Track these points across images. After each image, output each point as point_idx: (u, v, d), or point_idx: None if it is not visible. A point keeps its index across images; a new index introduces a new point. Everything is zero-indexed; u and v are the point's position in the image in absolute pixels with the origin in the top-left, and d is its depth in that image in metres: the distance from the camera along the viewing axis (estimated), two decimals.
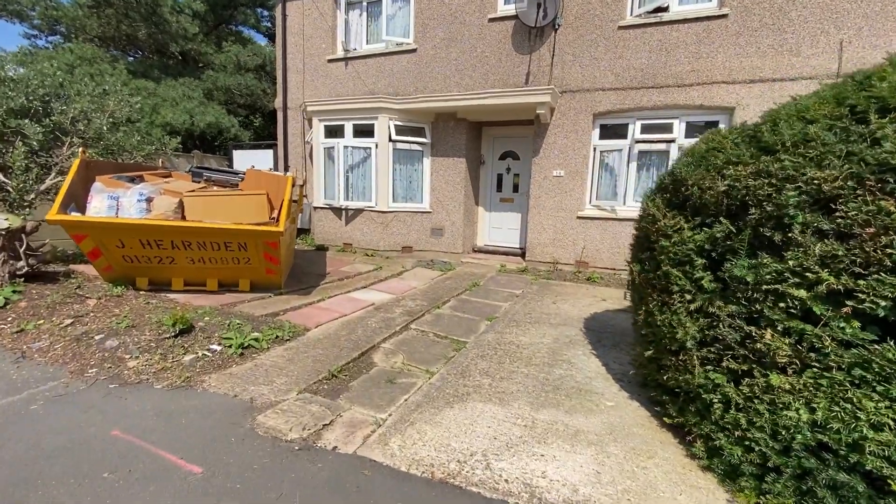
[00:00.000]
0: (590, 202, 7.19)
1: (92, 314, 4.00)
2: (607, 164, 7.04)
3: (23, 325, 3.74)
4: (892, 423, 1.64)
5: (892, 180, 1.72)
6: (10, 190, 5.27)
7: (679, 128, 6.46)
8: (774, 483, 1.89)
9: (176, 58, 18.43)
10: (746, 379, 2.06)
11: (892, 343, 1.66)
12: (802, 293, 1.86)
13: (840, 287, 1.76)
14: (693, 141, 6.08)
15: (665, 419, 2.60)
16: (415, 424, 2.60)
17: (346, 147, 8.09)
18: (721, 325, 2.18)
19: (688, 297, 2.39)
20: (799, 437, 1.83)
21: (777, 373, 1.94)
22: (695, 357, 2.31)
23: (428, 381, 3.19)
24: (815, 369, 1.83)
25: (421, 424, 2.60)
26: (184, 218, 4.46)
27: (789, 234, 1.93)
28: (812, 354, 1.84)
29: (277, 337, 3.81)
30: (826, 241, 1.82)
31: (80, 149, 4.93)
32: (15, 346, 3.46)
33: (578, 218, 7.14)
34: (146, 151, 7.32)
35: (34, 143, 5.59)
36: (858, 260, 1.73)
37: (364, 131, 8.00)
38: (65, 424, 2.52)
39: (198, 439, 2.40)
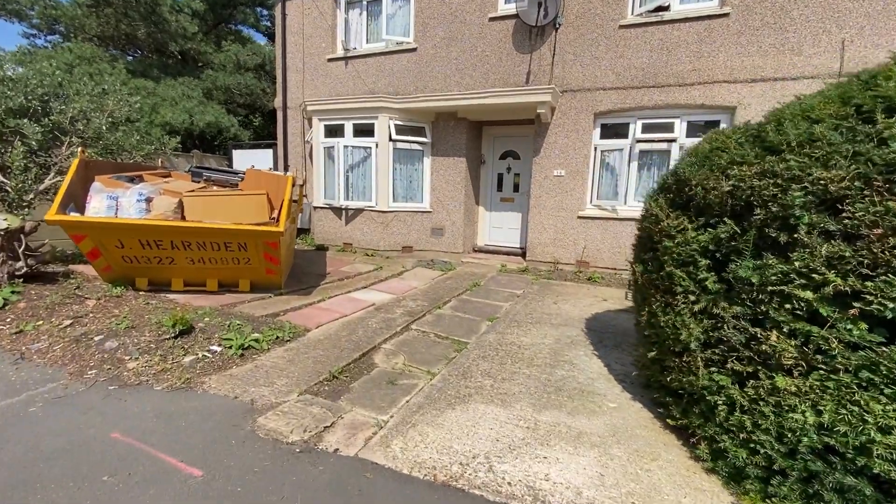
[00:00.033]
0: (590, 202, 7.17)
1: (91, 315, 3.98)
2: (608, 164, 7.02)
3: (22, 326, 3.71)
4: None
5: None
6: (9, 190, 5.25)
7: (680, 127, 6.44)
8: (780, 486, 1.88)
9: (175, 57, 18.39)
10: (751, 381, 2.05)
11: None
12: (809, 294, 1.84)
13: (847, 289, 1.74)
14: (694, 140, 6.10)
15: (668, 421, 2.58)
16: (416, 426, 2.58)
17: (346, 146, 8.07)
18: (726, 327, 2.16)
19: (692, 297, 2.37)
20: (805, 439, 1.81)
21: (783, 375, 1.93)
22: (699, 358, 2.29)
23: (429, 383, 3.17)
24: (821, 371, 1.81)
25: (423, 426, 2.59)
26: (183, 218, 4.44)
27: (795, 235, 1.92)
28: (818, 356, 1.82)
29: (278, 338, 3.80)
30: (833, 242, 1.80)
31: (79, 148, 4.91)
32: (14, 347, 3.44)
33: (579, 218, 7.12)
34: (145, 151, 7.30)
35: (33, 142, 5.56)
36: (866, 261, 1.71)
37: (364, 131, 7.98)
38: (64, 426, 2.50)
39: (198, 441, 2.39)
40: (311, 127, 8.66)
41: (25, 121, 5.52)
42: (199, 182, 5.26)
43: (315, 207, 8.78)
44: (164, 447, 2.32)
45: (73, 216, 4.17)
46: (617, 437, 2.52)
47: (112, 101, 6.74)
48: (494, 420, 2.67)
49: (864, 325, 1.73)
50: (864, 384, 1.71)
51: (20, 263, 4.51)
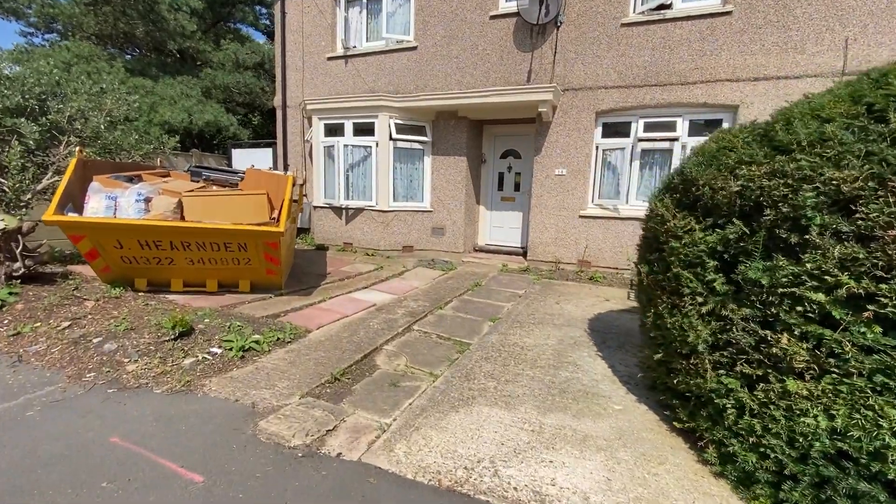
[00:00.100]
0: (592, 201, 7.14)
1: (90, 316, 3.94)
2: (610, 163, 6.98)
3: (19, 327, 3.67)
4: None
5: None
6: (6, 190, 5.20)
7: (682, 126, 6.41)
8: (791, 491, 1.85)
9: (174, 56, 18.30)
10: (761, 384, 2.02)
11: None
12: (821, 297, 1.81)
13: (861, 291, 1.71)
14: (696, 140, 6.10)
15: (675, 423, 2.55)
16: (420, 430, 2.55)
17: (346, 146, 8.02)
18: (734, 329, 2.13)
19: (699, 299, 2.34)
20: (817, 444, 1.78)
21: (794, 378, 1.89)
22: (707, 361, 2.26)
23: (432, 385, 3.14)
24: (834, 375, 1.78)
25: (426, 430, 2.55)
26: (183, 218, 4.40)
27: (806, 236, 1.88)
28: (831, 360, 1.79)
29: (278, 339, 3.76)
30: (846, 243, 1.77)
31: (78, 148, 4.86)
32: (11, 349, 3.40)
33: (581, 217, 7.09)
34: (144, 150, 7.25)
35: (30, 142, 5.51)
36: (880, 263, 1.68)
37: (364, 130, 7.93)
38: (62, 431, 2.46)
39: (198, 446, 2.35)
40: (310, 126, 8.61)
41: (23, 120, 5.47)
42: (198, 182, 5.21)
43: (315, 207, 8.74)
44: (164, 452, 2.29)
45: (71, 216, 4.13)
46: (623, 441, 2.49)
47: (110, 99, 6.69)
48: (499, 423, 2.64)
49: (878, 329, 1.69)
50: (878, 388, 1.68)
51: (18, 264, 4.47)
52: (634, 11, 6.51)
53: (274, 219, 4.65)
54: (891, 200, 1.69)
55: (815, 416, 1.80)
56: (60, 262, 5.67)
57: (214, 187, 5.15)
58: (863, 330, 1.72)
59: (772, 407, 1.95)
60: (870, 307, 1.70)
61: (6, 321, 3.78)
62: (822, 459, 1.78)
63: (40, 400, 2.77)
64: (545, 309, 5.03)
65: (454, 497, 2.03)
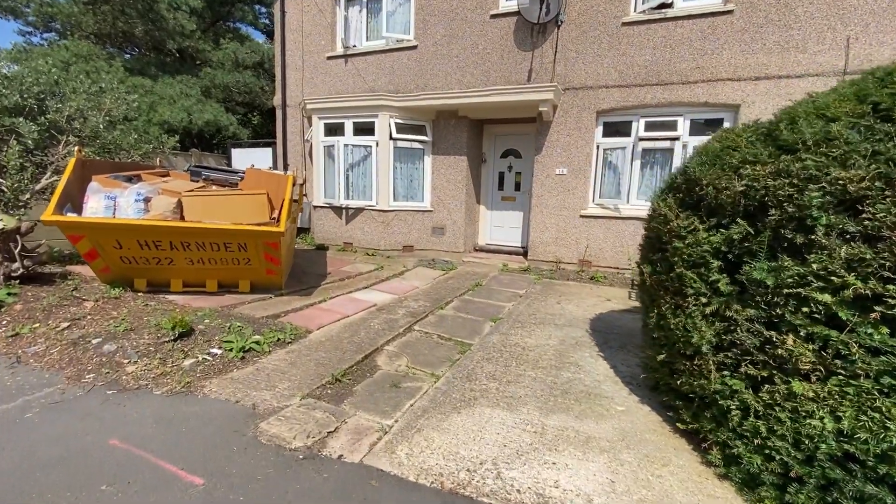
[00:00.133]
0: (593, 200, 7.12)
1: (89, 317, 3.92)
2: (611, 162, 6.97)
3: (18, 328, 3.65)
4: None
5: None
6: (5, 189, 5.17)
7: (683, 125, 6.39)
8: (797, 494, 1.83)
9: (173, 55, 18.25)
10: (766, 385, 2.00)
11: None
12: (827, 297, 1.79)
13: (867, 292, 1.69)
14: (697, 139, 6.08)
15: (678, 425, 2.54)
16: (422, 431, 2.53)
17: (346, 145, 8.00)
18: (739, 330, 2.12)
19: (703, 300, 2.32)
20: (823, 446, 1.77)
21: (799, 380, 1.88)
22: (711, 362, 2.25)
23: (434, 386, 3.12)
24: (840, 377, 1.77)
25: (428, 431, 2.54)
26: (182, 218, 4.38)
27: (812, 237, 1.87)
28: (837, 361, 1.78)
29: (279, 339, 3.74)
30: (853, 243, 1.75)
31: (76, 147, 4.84)
32: (10, 350, 3.38)
33: (581, 216, 7.07)
34: (143, 150, 7.22)
35: (29, 141, 5.48)
36: (888, 264, 1.66)
37: (364, 129, 7.91)
38: (61, 433, 2.44)
39: (199, 448, 2.33)
40: (310, 125, 8.59)
41: (21, 119, 5.45)
42: (198, 181, 5.19)
43: (315, 207, 8.72)
44: (163, 454, 2.27)
45: (70, 216, 4.10)
46: (626, 442, 2.48)
47: (109, 99, 6.66)
48: (501, 424, 2.62)
49: (885, 330, 1.68)
50: (885, 390, 1.66)
51: (16, 264, 4.44)
52: (635, 10, 6.49)
53: (274, 219, 4.63)
54: None
55: (822, 418, 1.79)
56: (59, 262, 5.64)
57: (214, 187, 5.13)
58: (870, 331, 1.70)
59: (777, 408, 1.94)
60: (877, 308, 1.68)
61: (4, 322, 3.76)
62: (828, 462, 1.77)
63: (39, 402, 2.75)
64: (546, 309, 5.02)
65: (457, 500, 2.01)
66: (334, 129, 8.20)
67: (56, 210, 4.02)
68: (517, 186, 8.23)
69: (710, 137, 2.82)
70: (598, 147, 6.98)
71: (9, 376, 3.03)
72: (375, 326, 4.26)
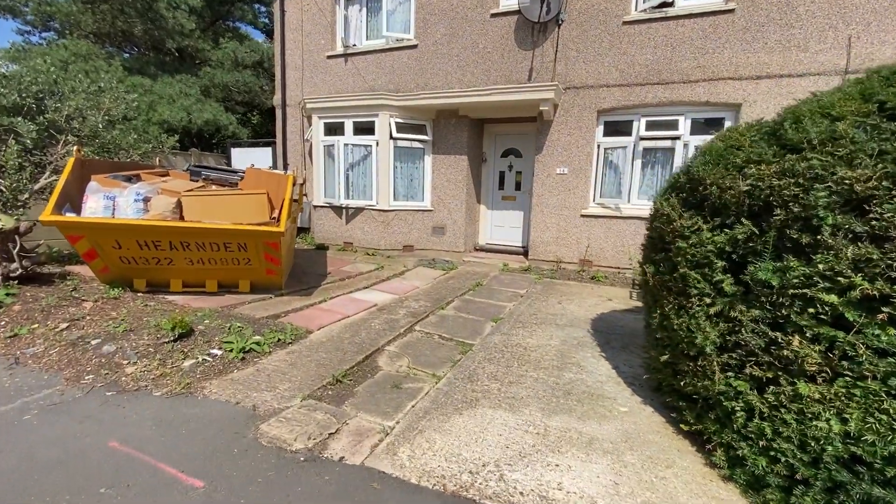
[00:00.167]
0: (594, 200, 7.10)
1: (88, 317, 3.90)
2: (611, 162, 6.95)
3: (16, 329, 3.63)
4: None
5: None
6: (3, 189, 5.15)
7: (684, 125, 6.37)
8: (803, 496, 1.81)
9: (172, 54, 18.20)
10: (771, 387, 1.98)
11: None
12: (833, 298, 1.77)
13: (875, 292, 1.67)
14: (699, 138, 6.06)
15: (682, 426, 2.52)
16: (424, 432, 2.52)
17: (346, 145, 7.98)
18: (743, 331, 2.10)
19: (707, 300, 2.30)
20: (830, 448, 1.75)
21: (805, 381, 1.86)
22: (715, 363, 2.23)
23: (435, 386, 3.10)
24: (847, 378, 1.75)
25: (430, 432, 2.52)
26: (182, 218, 4.36)
27: (818, 237, 1.85)
28: (844, 363, 1.76)
29: (279, 340, 3.72)
30: (859, 244, 1.73)
31: (75, 147, 4.81)
32: (8, 351, 3.36)
33: (582, 216, 7.05)
34: (143, 150, 7.20)
35: (28, 141, 5.47)
36: (895, 264, 1.65)
37: (364, 129, 7.89)
38: (60, 435, 2.42)
39: (199, 450, 2.31)
40: (310, 125, 8.56)
41: (20, 119, 5.43)
42: (197, 181, 5.16)
43: (315, 206, 8.70)
44: (163, 456, 2.25)
45: (69, 216, 4.08)
46: (629, 443, 2.46)
47: (108, 98, 6.64)
48: (503, 426, 2.61)
49: (892, 331, 1.66)
50: (892, 392, 1.65)
51: (15, 265, 4.42)
52: (636, 9, 6.47)
53: (274, 218, 4.61)
54: None
55: (828, 420, 1.77)
56: (58, 262, 5.62)
57: (214, 187, 5.11)
58: (877, 332, 1.68)
59: (782, 410, 1.92)
60: (884, 309, 1.67)
61: (3, 323, 3.74)
62: (834, 464, 1.75)
63: (38, 403, 2.73)
64: (547, 309, 5.00)
65: (459, 502, 1.99)
66: (334, 129, 8.18)
67: (55, 210, 4.00)
68: (518, 186, 8.21)
69: (713, 136, 2.80)
70: (598, 146, 6.96)
71: (7, 378, 3.01)
72: (376, 327, 4.24)
